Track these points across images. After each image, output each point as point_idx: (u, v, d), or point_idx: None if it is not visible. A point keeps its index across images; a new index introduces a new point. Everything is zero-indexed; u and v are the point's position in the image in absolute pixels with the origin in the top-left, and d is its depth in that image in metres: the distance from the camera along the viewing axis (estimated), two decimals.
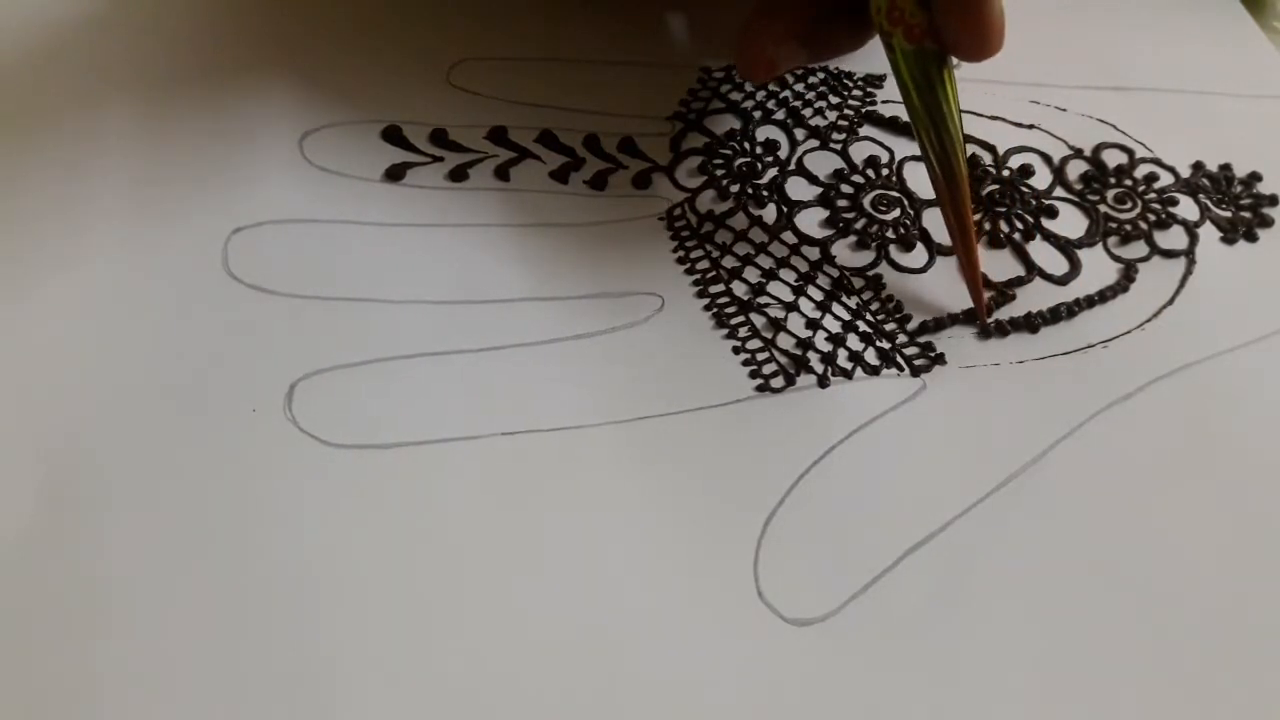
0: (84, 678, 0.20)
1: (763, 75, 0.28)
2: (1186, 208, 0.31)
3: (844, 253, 0.29)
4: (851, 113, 0.32)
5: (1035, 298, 0.28)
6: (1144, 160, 0.32)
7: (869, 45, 0.29)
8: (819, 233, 0.29)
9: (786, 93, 0.32)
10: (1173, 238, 0.30)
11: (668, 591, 0.22)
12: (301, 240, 0.27)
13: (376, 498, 0.23)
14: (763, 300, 0.27)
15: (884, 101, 0.33)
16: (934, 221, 0.29)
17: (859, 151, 0.31)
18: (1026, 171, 0.31)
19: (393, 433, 0.24)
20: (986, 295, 0.28)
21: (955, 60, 0.26)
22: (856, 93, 0.33)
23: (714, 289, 0.28)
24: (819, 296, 0.28)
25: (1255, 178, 0.32)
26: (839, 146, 0.31)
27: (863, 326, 0.27)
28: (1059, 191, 0.31)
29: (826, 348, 0.27)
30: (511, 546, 0.23)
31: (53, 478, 0.22)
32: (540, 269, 0.27)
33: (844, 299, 0.28)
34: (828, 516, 0.24)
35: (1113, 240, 0.30)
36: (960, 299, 0.28)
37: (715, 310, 0.27)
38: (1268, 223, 0.31)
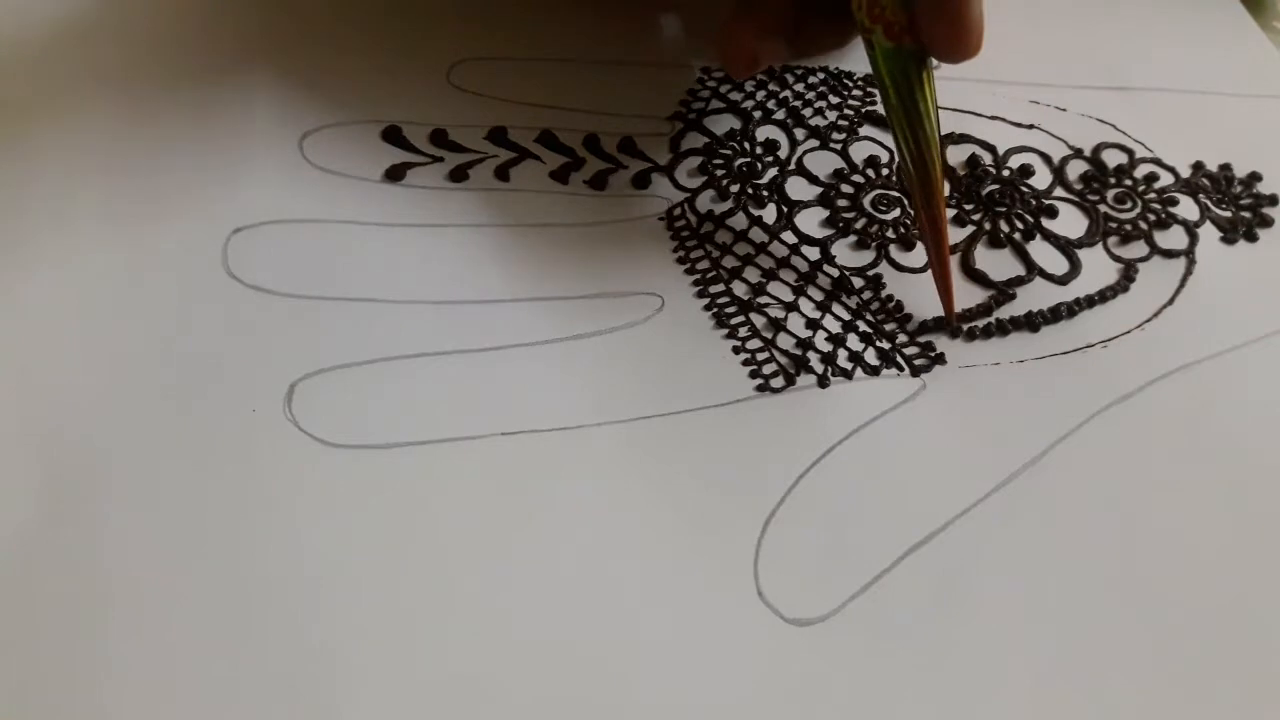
0: (84, 677, 0.20)
1: (745, 70, 0.28)
2: (1186, 208, 0.31)
3: (844, 253, 0.29)
4: (851, 113, 0.32)
5: (1035, 297, 0.28)
6: (1144, 160, 0.32)
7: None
8: (819, 233, 0.29)
9: (786, 93, 0.32)
10: (1173, 238, 0.30)
11: (668, 591, 0.22)
12: (301, 240, 0.27)
13: (376, 498, 0.23)
14: (763, 300, 0.27)
15: None
16: None
17: (859, 151, 0.31)
18: (1026, 171, 0.31)
19: (392, 433, 0.24)
20: (974, 303, 0.28)
21: (936, 61, 0.26)
22: (856, 93, 0.33)
23: (714, 289, 0.28)
24: (819, 296, 0.28)
25: (1255, 178, 0.32)
26: (839, 146, 0.31)
27: (863, 326, 0.27)
28: (1059, 191, 0.31)
29: (826, 348, 0.27)
30: (511, 546, 0.23)
31: (53, 477, 0.22)
32: (540, 269, 0.27)
33: (844, 299, 0.28)
34: (828, 517, 0.24)
35: (1113, 240, 0.30)
36: (962, 298, 0.28)
37: (715, 310, 0.27)
38: (1268, 223, 0.31)
